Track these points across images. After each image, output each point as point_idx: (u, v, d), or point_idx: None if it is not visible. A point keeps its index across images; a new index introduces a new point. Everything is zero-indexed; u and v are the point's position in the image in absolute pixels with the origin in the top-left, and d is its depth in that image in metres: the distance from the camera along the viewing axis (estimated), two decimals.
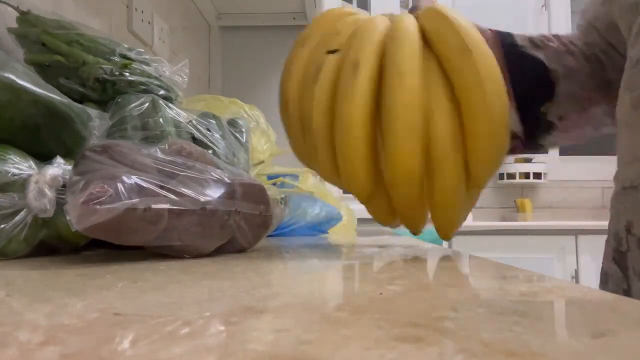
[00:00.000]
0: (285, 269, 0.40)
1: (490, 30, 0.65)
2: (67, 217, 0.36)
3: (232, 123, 0.77)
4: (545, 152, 0.69)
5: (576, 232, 2.14)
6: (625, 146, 0.55)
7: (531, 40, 0.66)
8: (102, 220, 0.36)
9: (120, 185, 0.37)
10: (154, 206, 0.39)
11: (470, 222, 2.34)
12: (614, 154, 0.60)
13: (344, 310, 0.22)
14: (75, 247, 0.47)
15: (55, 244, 0.46)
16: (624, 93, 0.54)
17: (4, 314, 0.21)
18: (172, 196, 0.41)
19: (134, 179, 0.39)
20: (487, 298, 0.26)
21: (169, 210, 0.40)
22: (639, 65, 0.51)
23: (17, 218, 0.40)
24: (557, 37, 0.69)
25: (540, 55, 0.65)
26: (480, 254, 0.47)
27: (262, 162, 0.96)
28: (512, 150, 0.68)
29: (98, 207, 0.36)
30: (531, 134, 0.67)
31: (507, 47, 0.64)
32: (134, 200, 0.38)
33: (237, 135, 0.76)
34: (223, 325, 0.19)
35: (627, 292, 0.53)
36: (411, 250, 0.58)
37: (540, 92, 0.65)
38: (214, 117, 0.71)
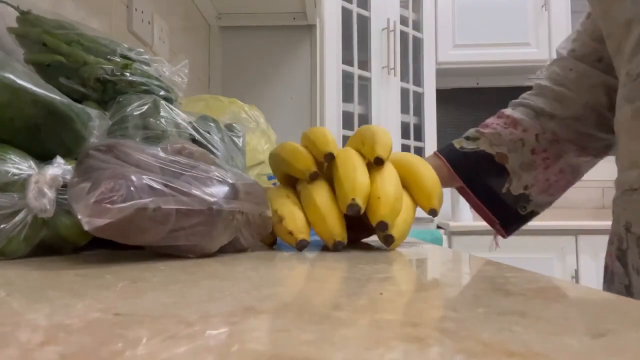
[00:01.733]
0: (285, 269, 0.40)
1: (433, 153, 0.76)
2: (79, 216, 0.35)
3: (230, 127, 0.78)
4: (537, 213, 0.78)
5: (576, 232, 2.14)
6: (624, 153, 0.58)
7: (467, 138, 0.75)
8: (114, 219, 0.36)
9: (131, 185, 0.37)
10: (163, 206, 0.39)
11: (470, 222, 2.34)
12: (614, 155, 0.62)
13: (344, 310, 0.22)
14: (75, 247, 0.47)
15: (55, 244, 0.46)
16: (624, 104, 0.57)
17: (4, 314, 0.21)
18: (181, 196, 0.40)
19: (144, 179, 0.39)
20: (487, 298, 0.26)
21: (177, 210, 0.40)
22: (639, 79, 0.53)
23: (17, 218, 0.40)
24: (501, 115, 0.75)
25: (479, 146, 0.73)
26: (480, 254, 0.47)
27: (262, 162, 0.96)
28: (501, 234, 0.77)
29: (110, 206, 0.36)
30: (509, 217, 0.74)
31: (446, 154, 0.74)
32: (146, 200, 0.38)
33: (235, 139, 0.76)
34: (223, 325, 0.19)
35: (628, 287, 0.56)
36: (411, 250, 0.58)
37: (496, 178, 0.73)
38: (213, 120, 0.72)
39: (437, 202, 0.59)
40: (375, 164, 0.57)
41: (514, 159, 0.72)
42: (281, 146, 0.63)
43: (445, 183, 0.73)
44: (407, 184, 0.61)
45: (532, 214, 0.74)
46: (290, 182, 0.62)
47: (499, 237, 0.80)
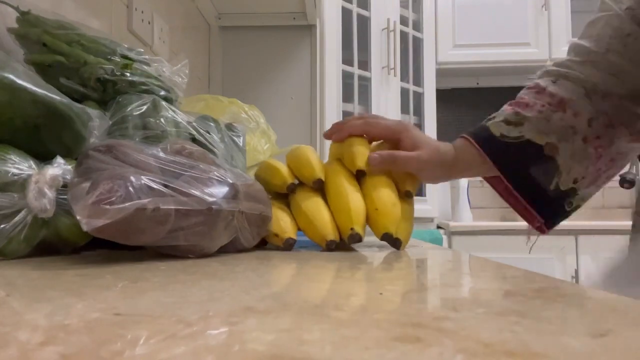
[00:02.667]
0: (285, 269, 0.40)
1: (461, 137, 0.64)
2: (78, 217, 0.35)
3: (230, 127, 0.78)
4: (580, 207, 0.66)
5: (576, 232, 2.13)
6: None
7: (508, 122, 0.61)
8: (112, 220, 0.36)
9: (129, 185, 0.37)
10: (162, 206, 0.39)
11: (470, 222, 2.34)
12: None
13: (344, 310, 0.22)
14: (75, 247, 0.47)
15: (55, 244, 0.45)
16: None
17: (4, 314, 0.21)
18: (180, 196, 0.40)
19: (142, 179, 0.39)
20: (487, 298, 0.26)
21: (176, 210, 0.40)
22: None
23: (17, 218, 0.40)
24: (540, 91, 0.63)
25: (523, 134, 0.60)
26: (480, 254, 0.47)
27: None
28: (541, 231, 0.65)
29: (108, 207, 0.36)
30: (555, 214, 0.63)
31: (485, 144, 0.61)
32: (144, 201, 0.38)
33: (235, 139, 0.76)
34: (223, 325, 0.19)
35: None
36: (411, 250, 0.58)
37: (543, 173, 0.61)
38: (213, 120, 0.72)
39: (410, 185, 0.60)
40: (358, 176, 0.59)
41: (565, 149, 0.60)
42: (260, 166, 0.65)
43: (478, 174, 0.65)
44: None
45: (576, 209, 0.64)
46: (283, 196, 0.63)
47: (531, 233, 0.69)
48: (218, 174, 0.45)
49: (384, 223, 0.55)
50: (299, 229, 0.58)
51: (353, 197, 0.56)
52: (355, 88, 2.03)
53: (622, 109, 0.60)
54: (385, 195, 0.56)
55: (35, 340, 0.17)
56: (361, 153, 0.59)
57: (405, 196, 0.60)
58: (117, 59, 0.63)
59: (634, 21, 0.59)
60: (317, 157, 0.61)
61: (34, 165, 0.42)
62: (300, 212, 0.57)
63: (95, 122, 0.52)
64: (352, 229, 0.54)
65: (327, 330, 0.18)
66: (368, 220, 0.56)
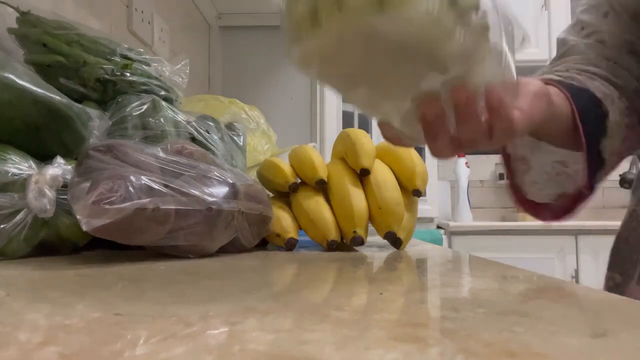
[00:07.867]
0: (286, 269, 0.40)
1: (544, 81, 0.49)
2: (78, 217, 0.35)
3: (230, 127, 0.78)
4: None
5: (576, 232, 2.13)
6: None
7: (567, 76, 0.53)
8: (112, 220, 0.36)
9: (129, 185, 0.37)
10: (162, 206, 0.39)
11: (470, 222, 2.34)
12: None
13: (344, 310, 0.22)
14: (75, 247, 0.47)
15: (55, 244, 0.45)
16: None
17: (4, 314, 0.21)
18: (180, 196, 0.40)
19: (142, 179, 0.39)
20: (487, 298, 0.26)
21: (176, 210, 0.40)
22: None
23: (17, 218, 0.40)
24: (570, 66, 0.55)
25: (585, 86, 0.52)
26: (480, 254, 0.47)
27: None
28: (583, 200, 0.54)
29: (108, 207, 0.36)
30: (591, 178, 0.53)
31: (574, 95, 0.50)
32: (144, 200, 0.38)
33: (235, 138, 0.76)
34: (223, 325, 0.19)
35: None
36: (411, 250, 0.58)
37: (597, 127, 0.52)
38: (213, 119, 0.71)
39: (421, 183, 0.60)
40: (361, 175, 0.58)
41: (612, 114, 0.51)
42: (262, 164, 0.65)
43: (562, 137, 0.50)
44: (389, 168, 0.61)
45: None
46: (284, 195, 0.63)
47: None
48: (218, 174, 0.45)
49: (387, 222, 0.55)
50: (300, 229, 0.58)
51: (356, 200, 0.56)
52: None
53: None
54: (389, 194, 0.56)
55: (35, 340, 0.17)
56: (366, 151, 0.59)
57: (413, 195, 0.60)
58: (117, 59, 0.63)
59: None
60: (320, 157, 0.61)
61: (34, 165, 0.42)
62: (302, 212, 0.57)
63: (95, 122, 0.52)
64: (354, 232, 0.54)
65: (328, 330, 0.18)
66: (371, 218, 0.56)
